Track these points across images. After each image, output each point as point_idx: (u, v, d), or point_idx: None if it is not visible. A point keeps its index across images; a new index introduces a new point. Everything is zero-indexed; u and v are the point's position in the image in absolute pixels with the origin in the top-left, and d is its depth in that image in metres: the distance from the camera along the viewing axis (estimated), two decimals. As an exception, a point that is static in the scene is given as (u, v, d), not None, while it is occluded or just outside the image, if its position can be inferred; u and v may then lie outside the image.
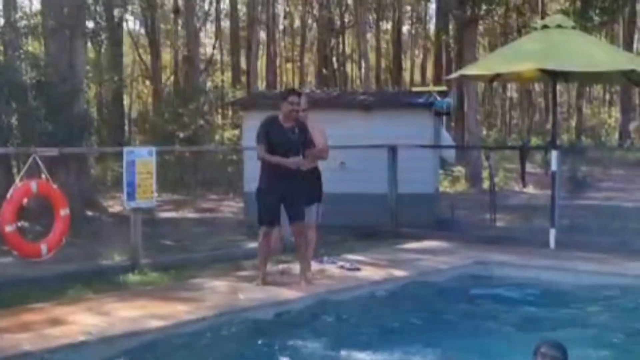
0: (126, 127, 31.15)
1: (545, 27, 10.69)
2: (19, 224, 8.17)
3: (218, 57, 39.82)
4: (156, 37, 31.98)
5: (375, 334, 6.21)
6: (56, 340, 5.40)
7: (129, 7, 29.14)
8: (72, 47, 13.71)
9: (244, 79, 33.63)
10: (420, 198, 12.04)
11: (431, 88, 14.85)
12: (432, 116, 12.76)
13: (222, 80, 35.01)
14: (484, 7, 23.23)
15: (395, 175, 11.74)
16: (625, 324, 6.52)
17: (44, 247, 7.80)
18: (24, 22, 14.94)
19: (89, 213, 13.69)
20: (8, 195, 7.55)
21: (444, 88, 15.16)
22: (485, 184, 18.66)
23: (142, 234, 9.02)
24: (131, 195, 8.72)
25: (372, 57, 41.34)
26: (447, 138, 14.52)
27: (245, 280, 7.77)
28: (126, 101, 34.15)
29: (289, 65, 48.86)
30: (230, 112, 31.06)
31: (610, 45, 21.51)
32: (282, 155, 7.35)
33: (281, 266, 8.42)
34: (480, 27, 32.77)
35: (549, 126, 30.58)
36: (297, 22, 45.67)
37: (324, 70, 39.22)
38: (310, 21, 43.42)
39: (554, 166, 10.35)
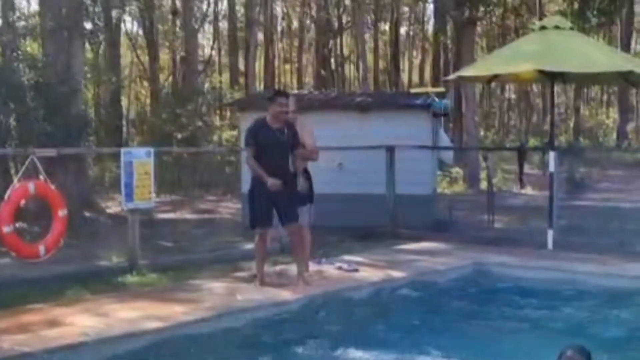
0: (124, 128, 31.14)
1: (543, 28, 10.70)
2: (17, 225, 8.15)
3: (216, 58, 39.84)
4: (154, 38, 31.99)
5: (373, 335, 6.21)
6: (54, 341, 5.39)
7: (127, 8, 29.15)
8: (70, 48, 13.71)
9: (242, 80, 33.64)
10: (418, 199, 12.04)
11: (429, 89, 14.87)
12: (430, 117, 12.76)
13: (220, 81, 34.96)
14: (481, 8, 23.30)
15: (393, 176, 11.74)
16: (625, 325, 6.53)
17: (42, 248, 7.78)
18: (22, 23, 14.96)
19: (87, 214, 13.68)
20: (6, 196, 7.53)
21: (442, 89, 15.18)
22: (483, 185, 18.67)
23: (140, 235, 9.01)
24: (129, 196, 8.71)
25: (370, 58, 41.36)
26: (445, 139, 14.53)
27: (243, 281, 7.77)
28: (124, 102, 34.13)
29: (287, 66, 48.92)
30: (228, 113, 31.09)
31: (608, 47, 21.52)
32: (271, 157, 7.37)
33: (278, 267, 8.42)
34: (478, 28, 32.86)
35: (546, 127, 30.66)
36: (295, 23, 45.73)
37: (322, 71, 39.25)
38: (308, 22, 43.47)
39: (551, 167, 10.36)
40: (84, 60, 17.06)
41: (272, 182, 7.27)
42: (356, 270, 8.32)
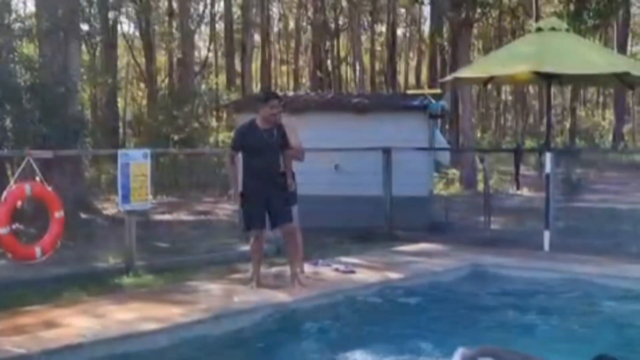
0: (121, 130, 31.11)
1: (539, 29, 10.72)
2: (14, 227, 8.12)
3: (212, 59, 39.80)
4: (151, 40, 31.95)
5: (370, 336, 6.21)
6: (51, 342, 5.39)
7: (124, 10, 29.12)
8: (66, 50, 13.68)
9: (238, 81, 33.61)
10: (415, 200, 12.04)
11: (426, 91, 14.89)
12: (426, 119, 12.76)
13: (217, 83, 34.97)
14: (478, 9, 23.30)
15: (390, 178, 11.75)
16: (625, 326, 6.55)
17: (38, 249, 7.77)
18: (18, 25, 14.87)
19: (84, 215, 13.65)
20: (2, 198, 7.52)
21: (438, 91, 15.19)
22: (480, 187, 18.68)
23: (137, 236, 9.01)
24: (126, 198, 8.71)
25: (366, 59, 41.46)
26: (441, 141, 14.53)
27: (239, 282, 7.76)
28: (121, 104, 34.08)
29: (284, 68, 48.97)
30: (224, 115, 31.07)
31: (604, 48, 21.57)
32: (260, 158, 7.42)
33: (275, 269, 8.42)
34: (475, 30, 32.85)
35: (543, 128, 30.63)
36: (291, 25, 45.76)
37: (319, 73, 39.27)
38: (304, 24, 43.50)
39: (548, 168, 10.37)
40: (81, 62, 17.04)
41: (234, 195, 7.54)
42: (353, 272, 8.33)
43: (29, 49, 15.57)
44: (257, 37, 38.09)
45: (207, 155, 21.99)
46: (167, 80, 35.65)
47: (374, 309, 7.19)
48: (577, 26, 21.65)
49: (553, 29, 10.44)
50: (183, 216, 15.80)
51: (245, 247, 8.70)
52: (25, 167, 8.03)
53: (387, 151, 11.71)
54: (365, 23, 42.11)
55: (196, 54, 35.17)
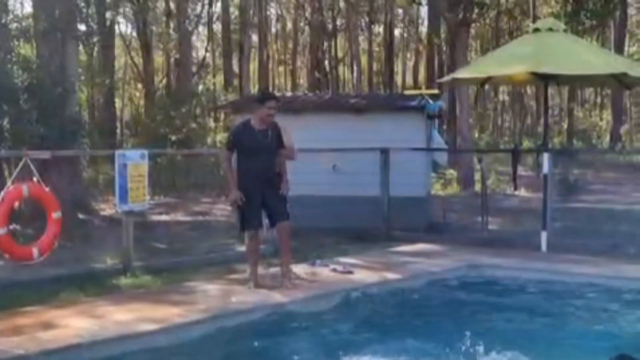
0: (118, 130, 31.08)
1: (536, 30, 10.73)
2: (11, 227, 8.13)
3: (210, 60, 39.80)
4: (148, 40, 31.91)
5: (367, 337, 6.21)
6: (49, 343, 5.39)
7: (121, 10, 29.07)
8: (63, 50, 13.67)
9: (236, 82, 33.62)
10: (412, 201, 12.04)
11: (423, 91, 14.89)
12: (424, 119, 12.77)
13: (214, 83, 34.94)
14: (475, 10, 23.29)
15: (387, 178, 11.75)
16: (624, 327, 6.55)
17: (35, 250, 7.76)
18: (15, 25, 14.85)
19: (81, 216, 13.65)
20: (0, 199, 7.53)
21: (436, 91, 15.18)
22: (477, 187, 18.67)
23: (134, 237, 9.01)
24: (123, 199, 8.71)
25: (364, 60, 41.47)
26: (439, 141, 14.53)
27: (237, 283, 7.76)
28: (118, 104, 34.07)
29: (281, 69, 48.98)
30: (222, 115, 31.05)
31: (602, 49, 21.62)
32: (255, 159, 7.42)
33: (272, 270, 8.41)
34: (472, 31, 32.87)
35: (540, 129, 30.74)
36: (289, 25, 45.78)
37: (316, 73, 39.27)
38: (302, 24, 43.49)
39: (545, 169, 10.38)
40: (78, 62, 17.00)
41: (235, 195, 7.39)
42: (350, 272, 8.33)
43: (26, 49, 15.53)
44: (254, 38, 38.09)
45: (204, 155, 21.97)
46: (164, 81, 35.64)
47: (371, 310, 7.19)
48: (575, 27, 21.69)
49: (550, 29, 10.46)
50: (181, 217, 15.80)
51: (243, 248, 8.69)
52: (23, 167, 8.02)
53: (384, 151, 11.72)
54: (363, 24, 42.12)
55: (194, 54, 35.14)
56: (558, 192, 13.36)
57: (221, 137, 26.87)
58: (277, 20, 45.71)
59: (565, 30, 10.93)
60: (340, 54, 45.46)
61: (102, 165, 21.18)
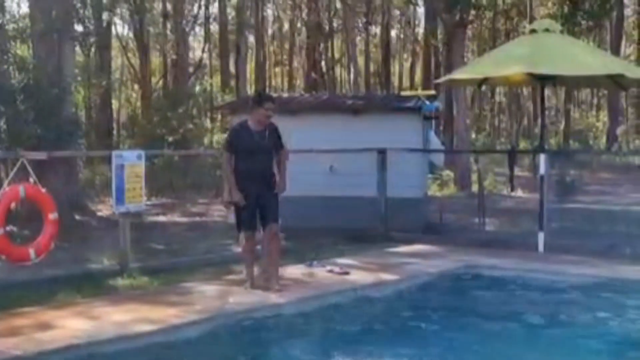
0: (115, 131, 31.06)
1: (533, 31, 10.74)
2: (7, 228, 8.12)
3: (207, 60, 39.77)
4: (145, 41, 31.88)
5: (365, 337, 6.22)
6: (46, 344, 5.39)
7: (118, 11, 29.04)
8: (60, 51, 13.66)
9: (233, 82, 33.60)
10: (409, 202, 12.05)
11: (420, 92, 14.90)
12: (420, 120, 12.77)
13: (211, 84, 34.91)
14: (472, 11, 23.32)
15: (384, 179, 11.75)
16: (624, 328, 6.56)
17: (32, 251, 7.76)
18: (12, 26, 14.85)
19: (78, 217, 13.63)
20: (-4, 199, 7.51)
21: (432, 92, 15.19)
22: (474, 188, 18.69)
23: (131, 237, 9.00)
24: (120, 199, 8.70)
25: (360, 61, 41.43)
26: (436, 142, 14.55)
27: (234, 284, 7.76)
28: (115, 105, 34.05)
29: (278, 69, 48.95)
30: (219, 116, 31.04)
31: (598, 50, 21.66)
32: (252, 160, 7.42)
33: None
34: (469, 31, 32.92)
35: (537, 130, 30.72)
36: (286, 26, 45.76)
37: (313, 74, 39.26)
38: (299, 25, 43.48)
39: (542, 170, 10.39)
40: (75, 63, 17.01)
41: (236, 198, 7.38)
42: (347, 273, 8.33)
43: (23, 50, 15.53)
44: (251, 39, 38.07)
45: (201, 156, 21.95)
46: (161, 82, 35.62)
47: (369, 310, 7.19)
48: (571, 28, 21.71)
49: (547, 30, 10.47)
50: (177, 217, 15.79)
51: (240, 248, 8.68)
52: (19, 168, 8.01)
53: (382, 152, 11.72)
54: (360, 24, 42.12)
55: (190, 55, 35.15)
56: (555, 193, 13.39)
57: (218, 137, 26.86)
58: (274, 21, 45.69)
59: (561, 32, 10.95)
60: (337, 55, 45.48)
61: (99, 166, 21.15)
